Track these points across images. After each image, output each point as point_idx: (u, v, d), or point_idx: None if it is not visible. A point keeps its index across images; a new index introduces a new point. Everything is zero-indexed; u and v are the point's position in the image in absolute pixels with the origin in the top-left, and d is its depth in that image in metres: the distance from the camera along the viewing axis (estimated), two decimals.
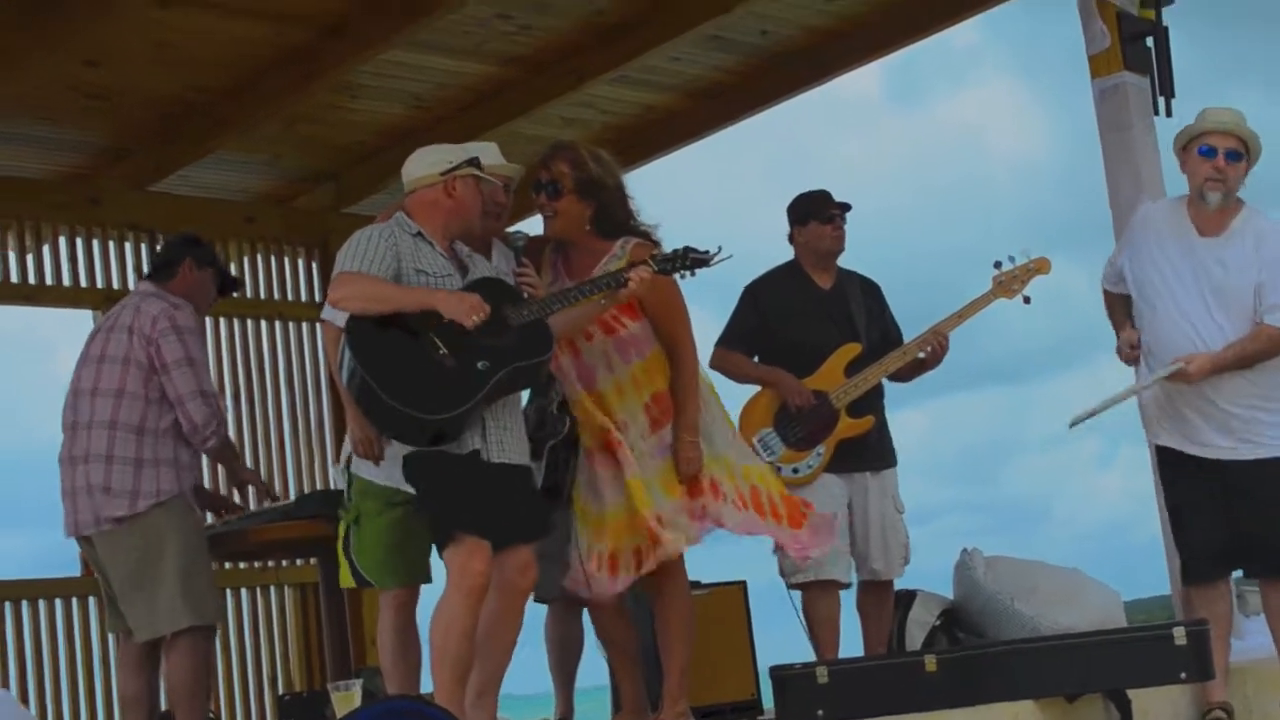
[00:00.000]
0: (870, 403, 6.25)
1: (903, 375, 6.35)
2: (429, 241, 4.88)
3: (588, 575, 5.20)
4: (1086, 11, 6.96)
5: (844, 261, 6.46)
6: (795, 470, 6.17)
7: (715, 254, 5.04)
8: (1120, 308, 5.62)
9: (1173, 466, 5.53)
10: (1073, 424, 5.48)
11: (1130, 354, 5.49)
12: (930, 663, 5.34)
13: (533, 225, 9.07)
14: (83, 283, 8.29)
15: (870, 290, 6.49)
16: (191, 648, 5.68)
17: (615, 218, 5.25)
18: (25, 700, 7.70)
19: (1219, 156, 5.35)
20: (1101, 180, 6.98)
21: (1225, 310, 5.35)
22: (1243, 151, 5.38)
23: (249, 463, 8.57)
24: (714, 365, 6.26)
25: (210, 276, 6.10)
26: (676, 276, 5.11)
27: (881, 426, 6.33)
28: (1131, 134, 6.87)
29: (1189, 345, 5.34)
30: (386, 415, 4.70)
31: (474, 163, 4.97)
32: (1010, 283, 6.26)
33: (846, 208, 6.37)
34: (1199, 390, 5.35)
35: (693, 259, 5.04)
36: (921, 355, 6.28)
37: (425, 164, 4.99)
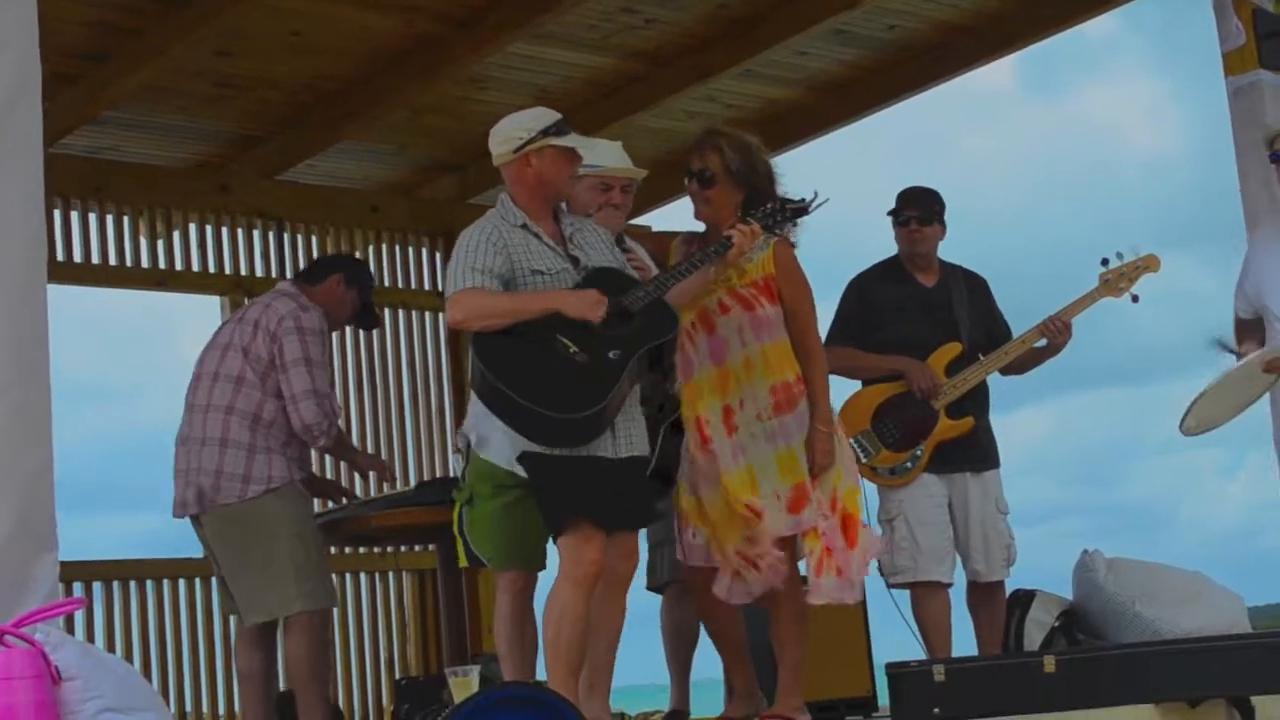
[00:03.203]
0: (971, 403, 6.17)
1: (1022, 366, 6.28)
2: (535, 233, 4.87)
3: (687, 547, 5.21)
4: (1221, 7, 6.84)
5: (959, 253, 6.40)
6: (893, 471, 6.12)
7: (813, 200, 5.12)
8: (1249, 334, 5.48)
9: None
10: (1183, 426, 5.36)
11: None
12: (1049, 663, 5.28)
13: (660, 216, 9.15)
14: (211, 269, 8.41)
15: (976, 286, 6.41)
16: (308, 630, 5.76)
17: (764, 203, 5.26)
18: (148, 677, 7.83)
19: None
20: (1234, 179, 6.87)
21: None
22: None
23: (370, 448, 8.67)
24: (831, 367, 6.22)
25: (353, 299, 6.19)
26: (800, 259, 5.13)
27: (983, 428, 6.26)
28: (1266, 133, 6.75)
29: None
30: (527, 420, 4.69)
31: (552, 131, 4.88)
32: (1117, 280, 6.17)
33: (927, 210, 6.26)
34: None
35: (791, 209, 5.11)
36: (1040, 345, 6.20)
37: (500, 140, 4.96)
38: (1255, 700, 5.12)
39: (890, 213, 6.33)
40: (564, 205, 5.10)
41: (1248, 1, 6.69)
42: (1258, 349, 5.42)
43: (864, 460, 6.09)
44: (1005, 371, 6.32)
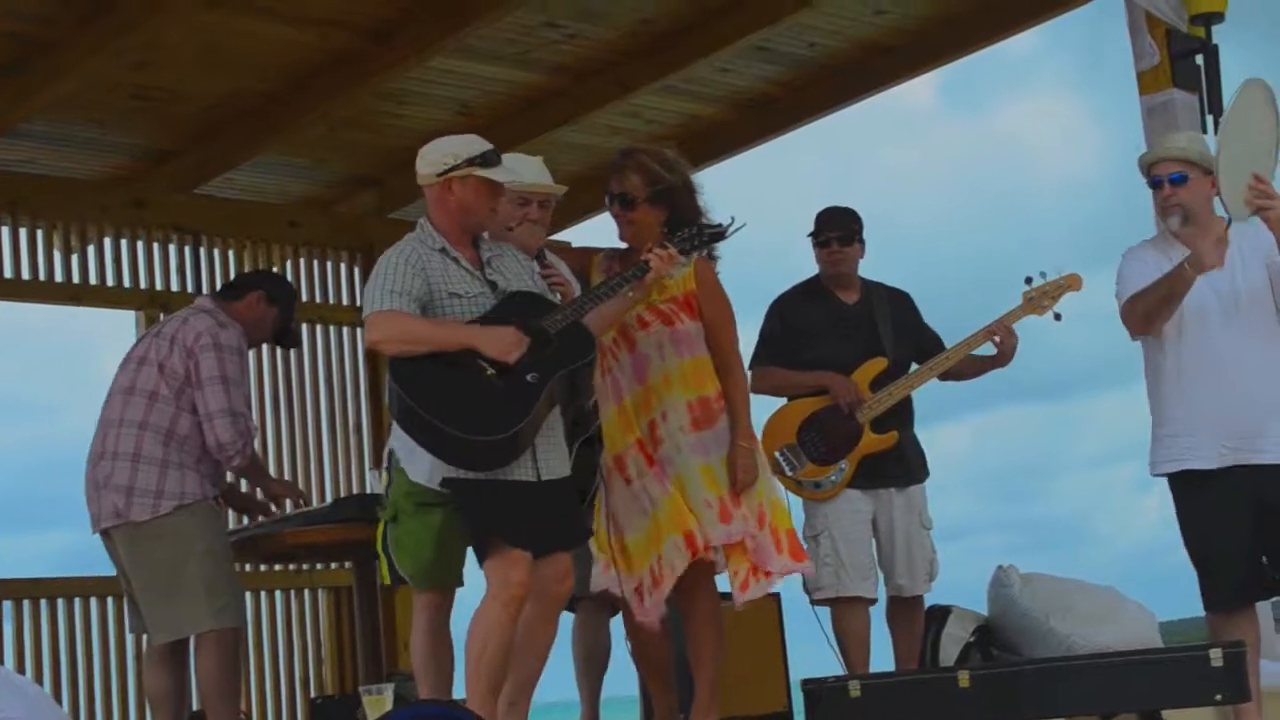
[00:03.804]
0: (895, 418, 6.22)
1: (964, 374, 6.34)
2: (454, 257, 4.86)
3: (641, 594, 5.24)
4: (1136, 28, 6.90)
5: (881, 269, 6.46)
6: (818, 485, 6.16)
7: (730, 225, 5.15)
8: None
9: (1180, 488, 5.47)
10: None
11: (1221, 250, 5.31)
12: (964, 678, 5.31)
13: (582, 231, 9.14)
14: (126, 284, 8.32)
15: (900, 302, 6.46)
16: (219, 649, 5.70)
17: (685, 218, 5.29)
18: (58, 698, 7.74)
19: (1164, 185, 5.47)
20: (1149, 197, 6.93)
21: (1242, 315, 5.37)
22: (1185, 172, 5.44)
23: (287, 464, 8.63)
24: (755, 388, 6.26)
25: (274, 316, 6.13)
26: (720, 275, 5.21)
27: (909, 442, 6.30)
28: None
29: (1218, 362, 5.33)
30: (444, 443, 4.68)
31: (477, 161, 4.88)
32: (1040, 299, 6.24)
33: (847, 231, 6.31)
34: (1227, 397, 5.32)
35: (709, 234, 5.13)
36: (987, 351, 6.26)
37: (428, 161, 4.95)
38: (1167, 715, 5.17)
39: (810, 234, 6.38)
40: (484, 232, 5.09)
41: (1161, 21, 6.75)
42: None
43: (789, 474, 6.14)
44: (946, 376, 6.37)
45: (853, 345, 6.25)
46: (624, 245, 5.43)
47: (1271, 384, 5.36)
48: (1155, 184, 5.50)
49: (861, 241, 6.39)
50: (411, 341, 4.69)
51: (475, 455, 4.68)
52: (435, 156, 4.93)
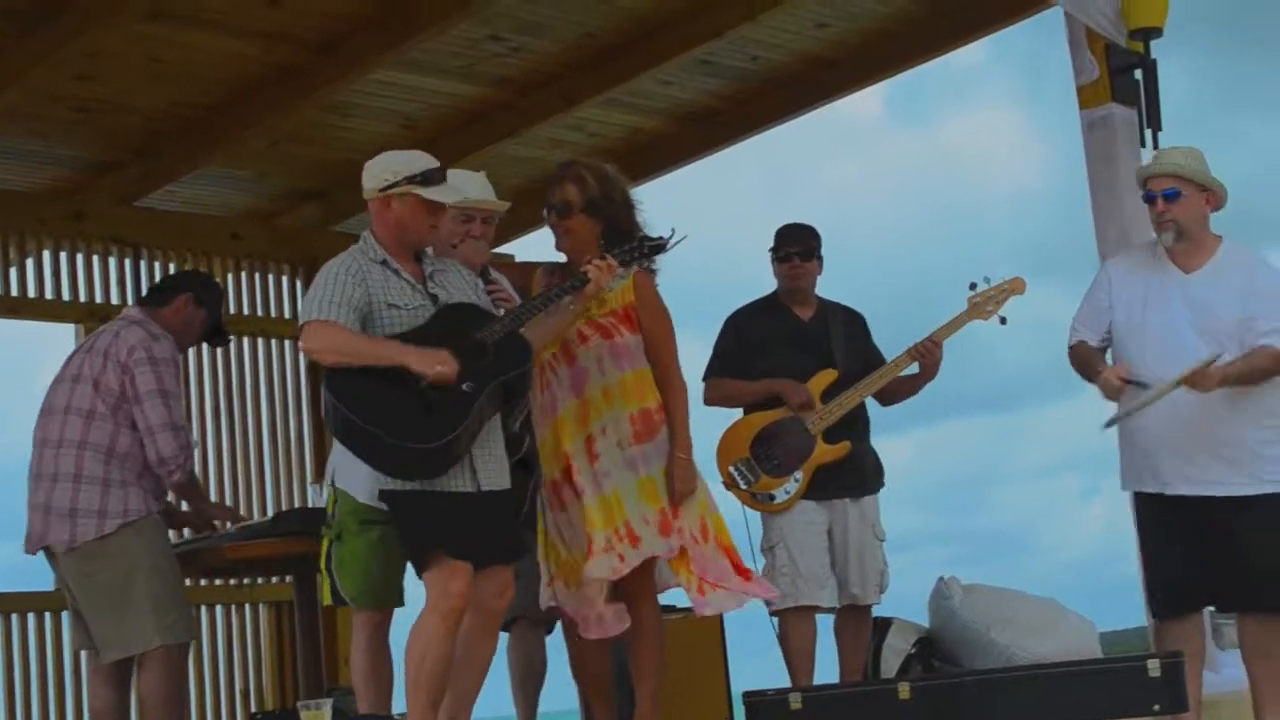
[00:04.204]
0: (848, 429, 6.26)
1: (897, 394, 6.37)
2: (395, 269, 4.86)
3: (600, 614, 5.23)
4: (1076, 43, 6.95)
5: (830, 285, 6.51)
6: (772, 497, 6.19)
7: (671, 238, 5.17)
8: (1096, 355, 5.58)
9: (1149, 507, 5.52)
10: (1106, 426, 5.41)
11: (1121, 385, 5.43)
12: (904, 690, 5.33)
13: (525, 245, 9.15)
14: (65, 296, 8.27)
15: (853, 321, 6.53)
16: (166, 665, 5.66)
17: (623, 232, 5.30)
18: None
19: (1157, 200, 5.45)
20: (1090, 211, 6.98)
21: (1219, 342, 5.34)
22: (1179, 188, 5.44)
23: (228, 477, 8.58)
24: (709, 399, 6.37)
25: (203, 319, 6.08)
26: (660, 288, 5.24)
27: (864, 452, 6.34)
28: (1117, 166, 6.84)
29: (1188, 395, 5.32)
30: (378, 452, 4.67)
31: (417, 180, 4.88)
32: (985, 304, 6.29)
33: (807, 247, 6.37)
34: (1193, 427, 5.34)
35: (649, 246, 5.17)
36: (914, 370, 6.30)
37: (371, 175, 4.94)
38: None
39: (770, 249, 6.44)
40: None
41: (1101, 36, 6.80)
42: (1120, 364, 5.47)
43: (744, 487, 6.19)
44: (884, 402, 6.42)
45: (806, 358, 6.30)
46: (564, 259, 5.44)
47: (1238, 423, 5.36)
48: (1149, 199, 5.48)
49: (820, 258, 6.45)
50: (345, 354, 4.69)
51: (410, 464, 4.67)
52: (378, 171, 4.93)
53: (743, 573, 5.36)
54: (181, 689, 5.91)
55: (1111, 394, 5.46)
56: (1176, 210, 5.43)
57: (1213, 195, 5.48)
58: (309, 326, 4.75)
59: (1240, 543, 5.35)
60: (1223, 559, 5.37)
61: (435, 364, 4.66)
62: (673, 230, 5.19)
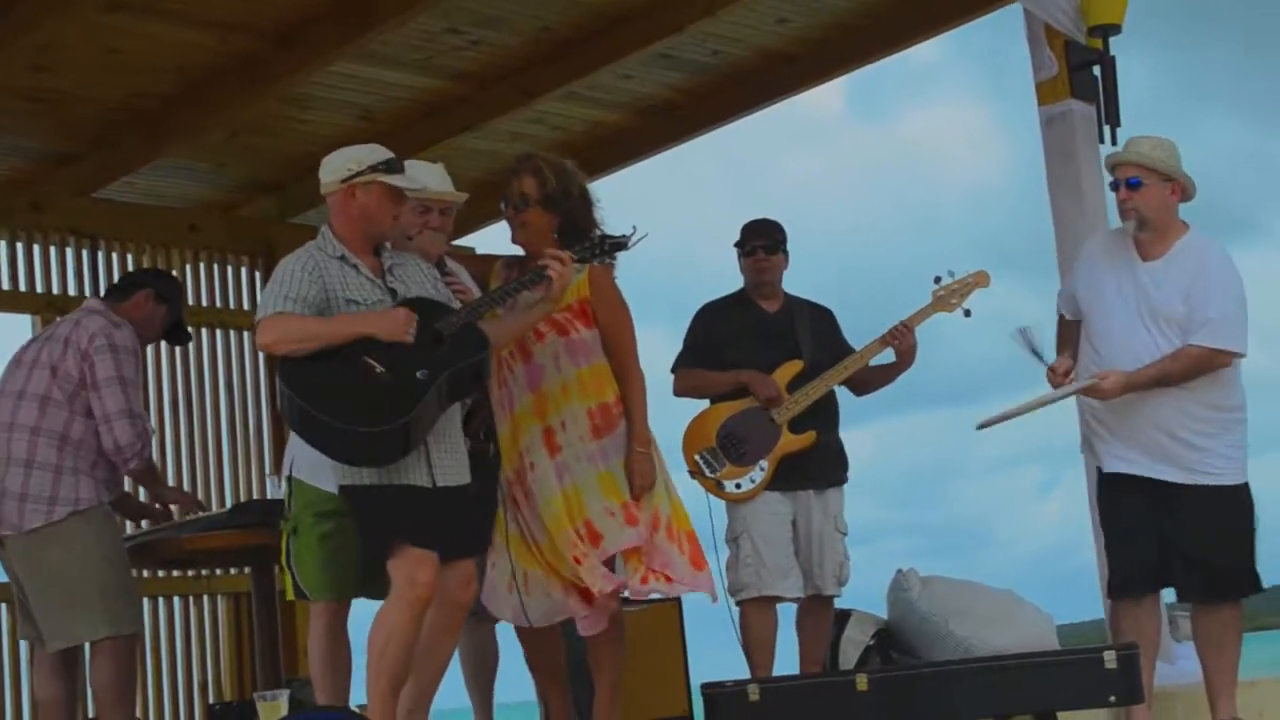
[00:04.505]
0: (815, 419, 6.29)
1: (873, 383, 6.43)
2: (353, 264, 4.85)
3: (524, 605, 5.21)
4: (1034, 39, 6.98)
5: (790, 279, 6.56)
6: (738, 486, 6.23)
7: (632, 236, 5.18)
8: (1068, 335, 5.66)
9: (1112, 486, 5.56)
10: (980, 426, 5.52)
11: (1058, 379, 5.52)
12: (862, 682, 5.35)
13: (485, 237, 9.14)
14: (22, 287, 8.20)
15: (821, 316, 6.57)
16: (115, 656, 5.64)
17: (579, 228, 5.30)
18: None
19: (1121, 188, 5.51)
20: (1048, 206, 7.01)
21: (1163, 332, 5.42)
22: (1142, 177, 5.48)
23: (186, 468, 8.55)
24: (678, 389, 6.43)
25: (163, 315, 6.08)
26: (619, 281, 5.28)
27: (830, 444, 6.37)
28: (1076, 162, 6.88)
29: (1131, 367, 5.39)
30: (334, 440, 4.66)
31: (381, 168, 4.89)
32: (949, 296, 6.35)
33: (773, 241, 6.43)
34: (1141, 412, 5.39)
35: (610, 244, 5.17)
36: (887, 360, 6.36)
37: (331, 169, 4.94)
38: (1061, 716, 5.23)
39: (736, 244, 6.48)
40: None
41: (1060, 33, 6.83)
42: (1065, 358, 5.55)
43: (709, 476, 6.22)
44: (858, 392, 6.48)
45: (772, 349, 6.35)
46: (523, 253, 5.44)
47: (1183, 412, 5.41)
48: (1113, 187, 5.55)
49: (786, 252, 6.51)
50: (302, 339, 4.68)
51: (363, 449, 4.66)
52: (339, 163, 4.93)
53: (697, 562, 5.37)
54: (132, 679, 5.88)
55: (1052, 385, 5.53)
56: (1138, 199, 5.48)
57: (1178, 186, 5.52)
58: (263, 322, 4.74)
59: (1185, 533, 5.40)
60: (1172, 545, 5.42)
61: (398, 325, 4.67)
62: (634, 228, 5.20)
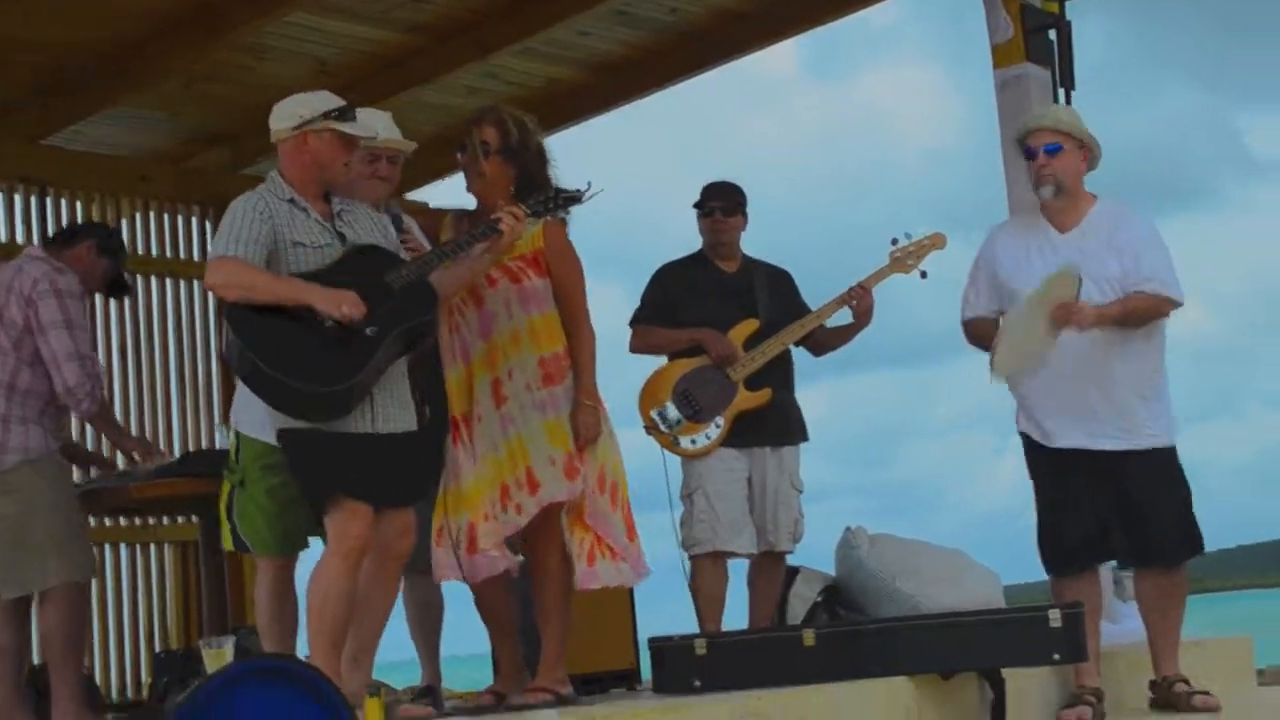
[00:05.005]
0: (771, 377, 6.31)
1: (830, 344, 6.47)
2: (303, 208, 4.83)
3: (460, 560, 5.21)
4: (991, 2, 7.00)
5: (749, 241, 6.57)
6: (694, 442, 6.25)
7: (586, 191, 5.18)
8: (992, 327, 5.62)
9: (1042, 460, 5.56)
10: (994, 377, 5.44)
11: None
12: (808, 637, 5.38)
13: (437, 191, 9.10)
14: None
15: (778, 277, 6.60)
16: (65, 604, 5.61)
17: (535, 182, 5.29)
18: None
19: (1038, 155, 5.52)
20: (1002, 169, 7.03)
21: (1103, 292, 5.41)
22: (1061, 143, 5.51)
23: (134, 417, 8.52)
24: (634, 345, 6.45)
25: (104, 268, 6.03)
26: (571, 238, 5.27)
27: (785, 402, 6.40)
28: None
29: (1075, 348, 5.37)
30: (279, 393, 4.63)
31: (334, 115, 4.85)
32: (906, 258, 6.39)
33: (731, 202, 6.44)
34: (1078, 381, 5.41)
35: (564, 198, 5.17)
36: (844, 321, 6.38)
37: (283, 115, 4.90)
38: (1006, 673, 5.27)
39: (695, 205, 6.50)
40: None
41: None
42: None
43: (664, 431, 6.23)
44: (816, 352, 6.50)
45: (729, 308, 6.36)
46: (473, 207, 5.42)
47: (1121, 377, 5.42)
48: (1029, 154, 5.55)
49: (745, 214, 6.52)
50: (250, 290, 4.64)
51: (307, 406, 4.62)
52: (290, 109, 4.89)
53: (630, 533, 5.39)
54: (83, 627, 5.86)
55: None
56: (1056, 165, 5.50)
57: (1089, 153, 5.55)
58: (214, 263, 4.71)
59: (1128, 499, 5.43)
60: (1114, 513, 5.45)
61: (342, 305, 4.62)
62: (589, 184, 5.20)
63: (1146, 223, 5.56)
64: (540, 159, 5.37)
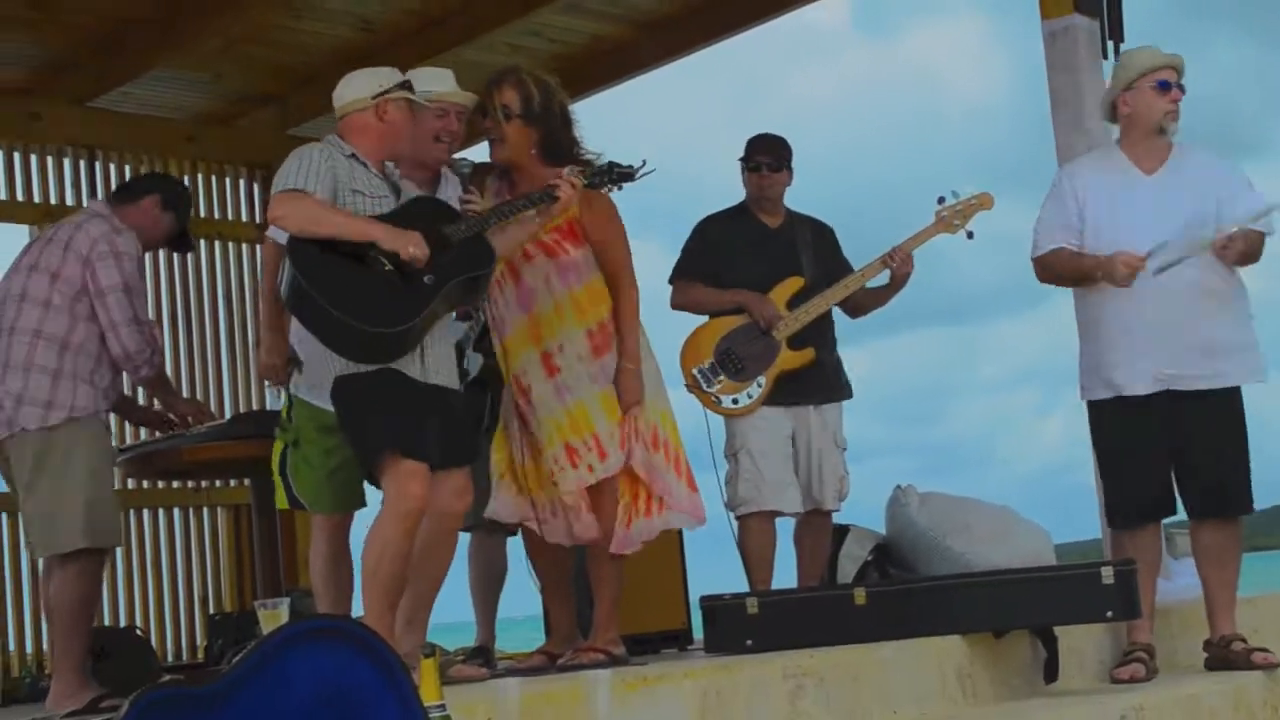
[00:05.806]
0: (814, 336, 6.29)
1: (864, 306, 6.41)
2: (363, 163, 4.84)
3: (566, 525, 5.26)
4: None
5: (795, 196, 6.53)
6: (735, 401, 6.23)
7: (640, 168, 5.16)
8: (1084, 254, 5.53)
9: (1107, 414, 5.53)
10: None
11: (1140, 262, 5.31)
12: (860, 595, 5.37)
13: (479, 152, 9.07)
14: (20, 198, 8.20)
15: (821, 232, 6.54)
16: (80, 571, 5.54)
17: (560, 144, 5.26)
18: None
19: (1173, 89, 5.45)
20: (1049, 124, 6.97)
21: (1170, 242, 5.34)
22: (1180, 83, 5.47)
23: (185, 380, 8.55)
24: (675, 302, 6.40)
25: (170, 222, 5.99)
26: (613, 197, 5.23)
27: (828, 361, 6.37)
28: (1080, 77, 6.85)
29: (1156, 287, 5.30)
30: (335, 331, 4.61)
31: (406, 86, 4.90)
32: (953, 218, 6.33)
33: (777, 157, 6.40)
34: (1160, 326, 5.35)
35: (618, 173, 5.16)
36: (884, 281, 6.32)
37: (356, 87, 4.91)
38: (1058, 631, 5.25)
39: (741, 158, 6.45)
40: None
41: None
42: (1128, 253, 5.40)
43: (706, 390, 6.21)
44: (853, 314, 6.46)
45: (771, 265, 6.32)
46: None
47: (1206, 313, 5.38)
48: (1164, 87, 5.46)
49: (790, 169, 6.47)
50: (315, 224, 4.62)
51: (360, 345, 4.62)
52: (365, 80, 4.92)
53: (692, 486, 5.40)
54: (95, 596, 5.81)
55: (1126, 280, 5.36)
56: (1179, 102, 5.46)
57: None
58: (278, 195, 4.69)
59: (1197, 445, 5.39)
60: (1180, 465, 5.41)
61: (408, 244, 4.63)
62: (644, 161, 5.16)
63: (1233, 165, 5.51)
64: (565, 121, 5.31)
